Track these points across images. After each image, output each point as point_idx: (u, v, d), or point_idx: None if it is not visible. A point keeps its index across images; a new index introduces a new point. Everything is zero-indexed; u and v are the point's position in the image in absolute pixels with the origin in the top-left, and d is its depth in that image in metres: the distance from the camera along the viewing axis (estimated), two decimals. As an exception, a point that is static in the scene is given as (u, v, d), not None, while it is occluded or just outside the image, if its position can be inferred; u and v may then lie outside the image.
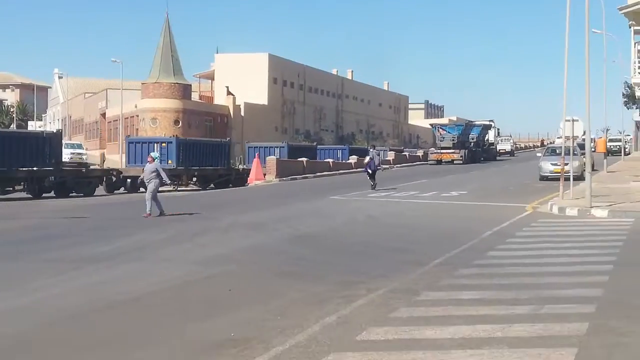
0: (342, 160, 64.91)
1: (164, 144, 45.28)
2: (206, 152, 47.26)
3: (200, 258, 15.73)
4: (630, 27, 61.41)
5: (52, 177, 37.82)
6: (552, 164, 41.71)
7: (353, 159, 64.14)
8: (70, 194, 38.09)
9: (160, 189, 25.50)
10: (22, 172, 36.35)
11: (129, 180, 41.82)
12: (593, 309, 10.23)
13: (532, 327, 9.26)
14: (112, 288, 12.56)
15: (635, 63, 60.86)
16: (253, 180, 48.31)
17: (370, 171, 37.55)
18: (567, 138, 29.62)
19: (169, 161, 43.56)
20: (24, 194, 37.26)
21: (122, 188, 42.03)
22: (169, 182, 26.98)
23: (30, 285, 12.83)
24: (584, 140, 31.00)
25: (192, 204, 31.14)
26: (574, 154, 29.93)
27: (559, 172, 39.39)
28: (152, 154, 26.53)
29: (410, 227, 21.41)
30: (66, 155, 62.50)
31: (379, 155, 41.40)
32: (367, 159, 39.25)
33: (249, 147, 59.31)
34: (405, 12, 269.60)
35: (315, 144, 73.18)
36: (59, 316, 10.55)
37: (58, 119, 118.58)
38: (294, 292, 12.00)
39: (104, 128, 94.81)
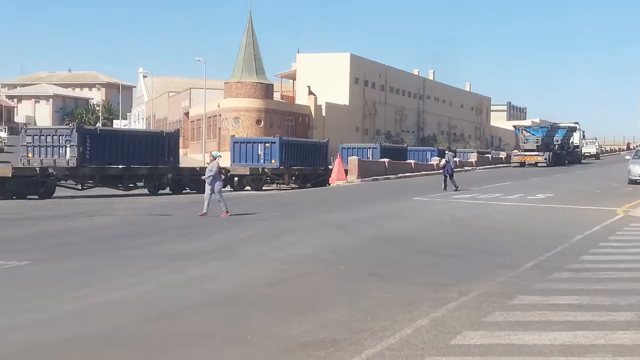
0: (424, 162, 64.39)
1: (267, 144, 46.52)
2: (306, 152, 48.16)
3: (286, 257, 15.57)
4: None
5: (170, 175, 39.68)
6: (642, 167, 40.68)
7: (435, 160, 63.53)
8: (184, 191, 39.93)
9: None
10: (144, 170, 38.46)
11: (236, 178, 42.64)
12: (701, 318, 9.73)
13: (636, 335, 8.83)
14: (200, 286, 12.47)
15: None
16: (335, 181, 48.14)
17: (447, 174, 37.94)
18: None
19: (272, 160, 44.52)
20: (144, 190, 39.18)
21: (229, 186, 41.13)
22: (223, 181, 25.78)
23: (117, 281, 12.80)
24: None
25: (275, 203, 31.15)
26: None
27: (650, 176, 38.67)
28: (213, 153, 25.93)
29: (497, 229, 20.97)
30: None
31: (455, 157, 41.76)
32: (443, 161, 39.67)
33: (342, 147, 58.68)
34: (488, 12, 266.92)
35: (406, 145, 72.69)
36: (149, 313, 10.46)
37: (142, 118, 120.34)
38: (382, 293, 11.74)
39: (187, 127, 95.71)
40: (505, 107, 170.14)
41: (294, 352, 8.56)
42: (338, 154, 52.96)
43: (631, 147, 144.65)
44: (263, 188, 44.26)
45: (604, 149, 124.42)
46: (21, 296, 11.59)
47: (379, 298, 11.36)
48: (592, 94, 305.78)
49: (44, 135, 37.20)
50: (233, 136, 53.81)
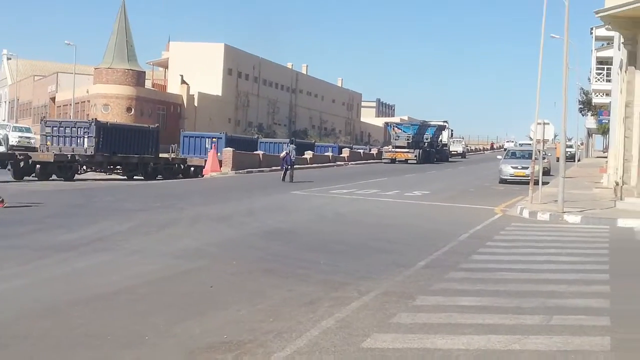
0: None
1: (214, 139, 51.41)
2: (132, 138, 45.31)
3: (173, 251, 14.94)
4: (591, 34, 61.90)
5: (152, 163, 45.93)
6: (512, 167, 41.68)
7: (309, 154, 63.53)
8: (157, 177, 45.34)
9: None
10: (135, 159, 44.75)
11: (38, 165, 39.53)
12: (607, 321, 9.65)
13: (550, 340, 8.67)
14: (86, 280, 11.76)
15: (594, 69, 61.37)
16: (209, 172, 47.46)
17: (287, 165, 40.05)
18: (538, 141, 29.19)
19: (86, 146, 42.06)
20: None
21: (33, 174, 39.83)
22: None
23: (-6, 273, 11.95)
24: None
25: (149, 195, 30.36)
26: (535, 158, 29.50)
27: (520, 176, 39.66)
28: None
29: (383, 225, 20.84)
30: (14, 138, 61.16)
31: (295, 149, 42.81)
32: (283, 153, 41.91)
33: (184, 136, 57.57)
34: (357, 9, 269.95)
35: (257, 137, 71.29)
36: (35, 309, 9.73)
37: (5, 101, 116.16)
38: (280, 291, 11.29)
39: (53, 112, 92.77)
40: (374, 104, 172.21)
41: (198, 354, 8.04)
42: (213, 145, 52.19)
43: (494, 147, 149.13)
44: (75, 178, 41.11)
45: (469, 148, 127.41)
46: None
47: (278, 296, 10.92)
48: (458, 94, 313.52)
49: (62, 127, 42.99)
50: (42, 118, 51.80)
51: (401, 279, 12.51)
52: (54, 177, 39.60)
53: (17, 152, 42.46)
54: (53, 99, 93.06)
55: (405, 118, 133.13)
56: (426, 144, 77.31)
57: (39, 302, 10.12)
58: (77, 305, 10.05)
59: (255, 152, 54.77)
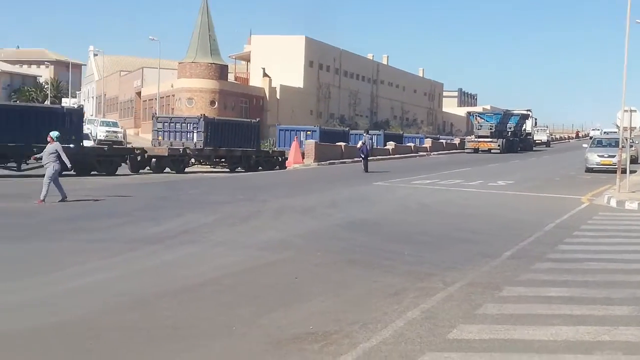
0: (377, 146, 63.89)
1: (308, 132, 50.94)
2: (236, 132, 46.68)
3: (257, 242, 15.05)
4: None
5: (254, 156, 47.25)
6: (599, 155, 40.95)
7: (390, 145, 63.32)
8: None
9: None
10: (238, 152, 46.22)
11: (154, 159, 41.75)
12: (700, 312, 9.45)
13: (641, 331, 8.51)
14: (173, 272, 11.94)
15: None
16: (292, 164, 47.73)
17: (363, 155, 41.26)
18: (625, 129, 28.56)
19: (196, 140, 43.72)
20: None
21: (147, 167, 41.83)
22: (70, 166, 22.87)
23: (84, 266, 12.19)
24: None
25: (234, 187, 30.64)
26: (622, 146, 28.89)
27: (607, 164, 38.89)
28: (51, 133, 22.77)
29: (467, 216, 20.69)
30: (101, 133, 62.45)
31: (371, 140, 44.38)
32: (359, 143, 42.44)
33: (279, 129, 58.79)
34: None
35: (347, 128, 71.70)
36: (123, 301, 9.90)
37: (92, 97, 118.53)
38: (365, 282, 11.32)
39: (138, 107, 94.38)
40: (456, 94, 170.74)
41: (284, 345, 8.09)
42: (295, 137, 52.55)
43: (580, 135, 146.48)
44: (186, 171, 43.13)
45: (554, 136, 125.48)
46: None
47: (363, 287, 10.94)
48: (542, 82, 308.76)
49: (173, 123, 45.19)
50: (154, 114, 53.40)
51: (487, 270, 12.42)
52: (167, 170, 41.64)
53: (134, 148, 44.31)
54: (139, 94, 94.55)
55: (488, 107, 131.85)
56: (509, 133, 76.37)
57: (127, 295, 10.30)
58: (164, 297, 10.20)
59: (337, 144, 54.84)
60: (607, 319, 9.11)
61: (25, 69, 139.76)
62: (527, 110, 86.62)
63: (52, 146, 22.23)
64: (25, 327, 8.51)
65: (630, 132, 28.84)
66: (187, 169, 43.61)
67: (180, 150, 42.84)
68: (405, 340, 8.25)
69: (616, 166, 28.72)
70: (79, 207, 21.16)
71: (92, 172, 36.74)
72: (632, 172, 30.25)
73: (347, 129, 71.19)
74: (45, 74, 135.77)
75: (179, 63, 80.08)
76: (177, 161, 42.35)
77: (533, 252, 14.24)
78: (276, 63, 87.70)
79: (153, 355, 7.76)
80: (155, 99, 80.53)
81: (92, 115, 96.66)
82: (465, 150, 73.84)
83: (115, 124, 69.56)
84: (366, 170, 39.82)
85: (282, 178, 38.30)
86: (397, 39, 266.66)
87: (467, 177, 36.18)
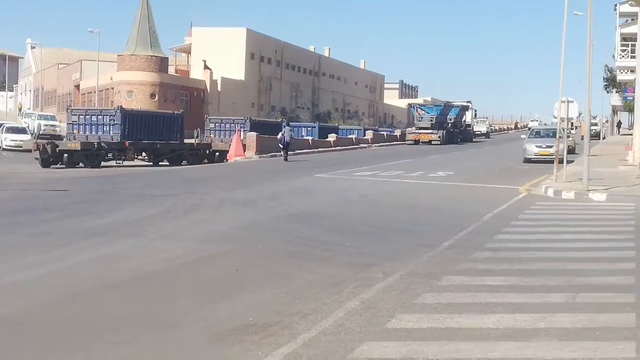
0: (318, 138, 63.85)
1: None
2: (157, 124, 45.67)
3: (198, 235, 15.04)
4: (615, 10, 61.33)
5: (177, 149, 46.37)
6: (537, 146, 41.48)
7: (332, 137, 63.44)
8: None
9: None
10: (160, 145, 45.12)
11: (65, 154, 40.40)
12: (633, 298, 9.67)
13: (576, 318, 8.69)
14: (115, 265, 11.90)
15: (618, 46, 60.82)
16: (233, 156, 47.54)
17: (281, 146, 45.11)
18: (562, 119, 29.02)
19: (112, 133, 42.74)
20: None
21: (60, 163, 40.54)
22: None
23: (23, 260, 12.10)
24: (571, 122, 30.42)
25: (175, 180, 30.50)
26: (559, 137, 29.35)
27: (544, 155, 39.40)
28: None
29: (407, 207, 20.84)
30: (38, 126, 61.58)
31: (291, 131, 47.56)
32: (279, 135, 46.23)
33: (209, 121, 57.12)
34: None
35: (281, 120, 71.12)
36: (63, 294, 9.86)
37: (30, 90, 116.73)
38: (305, 273, 11.39)
39: (77, 100, 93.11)
40: (398, 86, 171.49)
41: (225, 337, 8.12)
42: (237, 129, 52.29)
43: (519, 126, 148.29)
44: (101, 165, 41.54)
45: (493, 127, 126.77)
46: None
47: (303, 278, 11.00)
48: (482, 74, 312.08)
49: (88, 115, 44.20)
50: (68, 107, 52.50)
51: (426, 260, 12.56)
52: (80, 165, 40.20)
53: (42, 141, 42.50)
54: (77, 87, 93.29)
55: (429, 99, 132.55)
56: (450, 124, 76.98)
57: (67, 288, 10.25)
58: (105, 290, 10.17)
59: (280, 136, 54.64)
60: (544, 306, 9.28)
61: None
62: (467, 102, 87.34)
63: None
64: (-38, 323, 8.42)
65: (567, 123, 29.27)
66: (103, 164, 41.88)
67: (95, 144, 41.35)
68: (345, 330, 8.32)
69: (553, 156, 29.13)
70: (17, 202, 20.88)
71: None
72: (569, 162, 30.72)
73: (279, 119, 70.87)
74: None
75: (119, 56, 79.18)
76: (91, 155, 40.80)
77: (471, 242, 14.42)
78: (217, 55, 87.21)
79: (93, 348, 7.73)
80: (94, 92, 79.58)
81: (29, 109, 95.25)
82: (406, 142, 74.27)
83: (53, 118, 68.65)
84: (286, 159, 43.68)
85: (223, 171, 38.16)
86: (339, 31, 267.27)
87: (408, 168, 36.43)
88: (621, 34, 61.17)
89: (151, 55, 76.74)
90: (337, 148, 61.48)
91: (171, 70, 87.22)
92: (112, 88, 79.27)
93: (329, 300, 9.68)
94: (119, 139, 42.27)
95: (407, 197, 23.50)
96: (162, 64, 79.00)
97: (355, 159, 45.85)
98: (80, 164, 40.28)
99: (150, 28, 77.08)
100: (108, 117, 43.15)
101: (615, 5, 60.95)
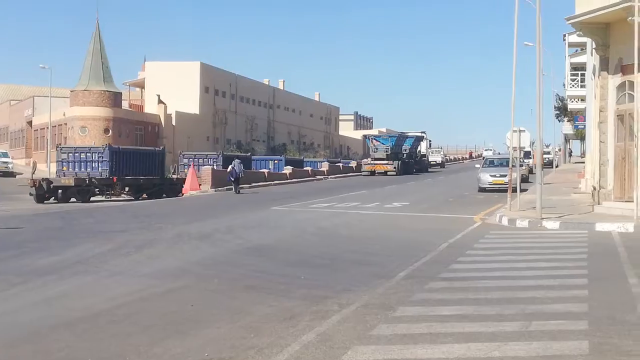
0: (276, 171, 64.10)
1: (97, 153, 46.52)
2: (140, 160, 47.33)
3: (153, 271, 14.95)
4: (564, 40, 62.35)
5: (158, 184, 47.93)
6: (491, 175, 41.90)
7: (288, 170, 63.53)
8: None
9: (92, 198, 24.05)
10: (142, 180, 46.96)
11: (60, 190, 42.73)
12: (585, 325, 9.75)
13: (530, 346, 8.72)
14: (66, 304, 11.74)
15: (568, 75, 61.79)
16: (188, 190, 47.40)
17: (232, 178, 46.87)
18: (514, 149, 29.35)
19: (101, 170, 43.89)
20: None
21: (53, 198, 42.53)
22: None
23: (-26, 300, 11.90)
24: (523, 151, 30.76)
25: (129, 215, 30.28)
26: (512, 166, 29.66)
27: (499, 184, 39.79)
28: None
29: (363, 238, 20.88)
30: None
31: (240, 164, 48.37)
32: (229, 167, 47.64)
33: (183, 156, 58.13)
34: (335, 23, 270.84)
35: (249, 154, 71.97)
36: (15, 334, 9.72)
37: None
38: (261, 307, 11.32)
39: (30, 136, 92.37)
40: (352, 117, 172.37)
41: (180, 374, 8.04)
42: (192, 164, 52.28)
43: (473, 155, 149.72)
44: (91, 200, 43.53)
45: (448, 157, 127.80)
46: None
47: (259, 312, 10.94)
48: (436, 105, 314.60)
49: (77, 152, 46.19)
50: (59, 145, 53.39)
51: (382, 291, 12.56)
52: (73, 200, 42.58)
53: (38, 178, 43.94)
54: (30, 123, 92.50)
55: (384, 130, 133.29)
56: (405, 155, 77.56)
57: (19, 328, 10.11)
58: (58, 329, 10.04)
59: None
60: (498, 335, 9.32)
61: None
62: (422, 132, 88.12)
63: None
64: None
65: (520, 152, 29.59)
66: (92, 199, 43.68)
67: (87, 180, 43.47)
68: (301, 363, 8.28)
69: (507, 185, 29.42)
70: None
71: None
72: (523, 190, 31.00)
73: (248, 154, 71.49)
74: None
75: (71, 91, 78.74)
76: (82, 191, 42.74)
77: (427, 272, 14.46)
78: (171, 89, 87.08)
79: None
80: (47, 128, 78.91)
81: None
82: (362, 173, 74.68)
83: (5, 155, 68.03)
84: (237, 192, 45.90)
85: (178, 205, 38.03)
86: (292, 64, 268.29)
87: (364, 199, 36.58)
88: (571, 64, 62.20)
89: (104, 90, 76.44)
90: (293, 180, 61.60)
91: (125, 105, 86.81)
92: (66, 124, 78.78)
93: (285, 333, 9.65)
94: (107, 175, 44.17)
95: (363, 228, 23.56)
96: (115, 98, 78.70)
97: (312, 191, 45.95)
98: (73, 199, 42.17)
99: (103, 63, 76.84)
100: (97, 154, 45.42)
101: (564, 35, 62.01)
